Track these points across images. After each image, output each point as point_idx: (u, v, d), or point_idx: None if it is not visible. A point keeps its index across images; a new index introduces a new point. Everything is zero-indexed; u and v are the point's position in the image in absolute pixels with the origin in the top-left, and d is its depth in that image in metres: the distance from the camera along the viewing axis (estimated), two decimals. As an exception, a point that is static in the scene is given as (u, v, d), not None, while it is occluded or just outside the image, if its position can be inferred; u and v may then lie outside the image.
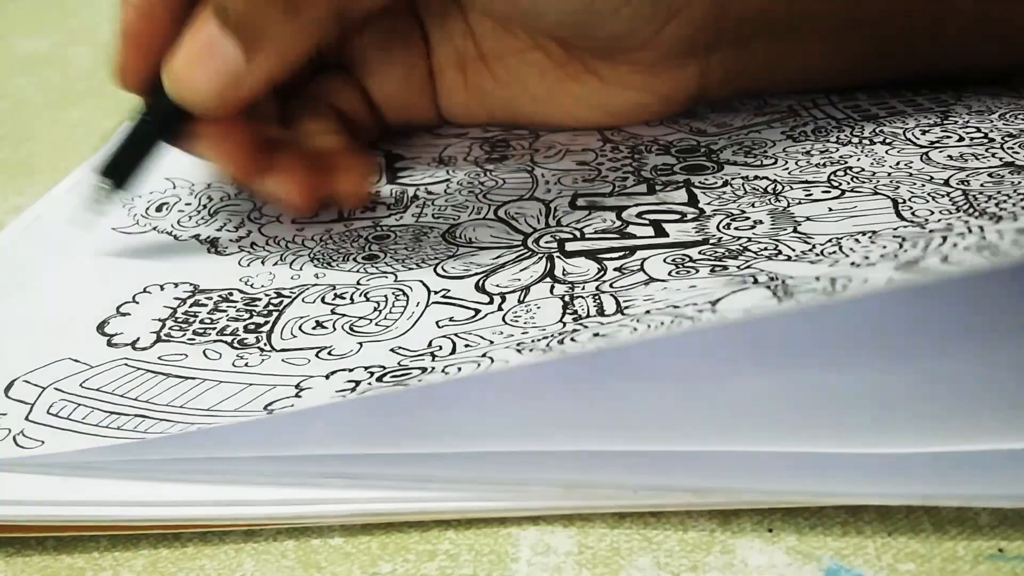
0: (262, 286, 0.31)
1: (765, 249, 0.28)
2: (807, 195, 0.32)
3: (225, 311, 0.30)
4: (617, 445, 0.23)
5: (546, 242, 0.32)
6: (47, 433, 0.25)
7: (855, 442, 0.21)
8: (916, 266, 0.23)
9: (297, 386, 0.26)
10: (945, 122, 0.36)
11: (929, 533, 0.21)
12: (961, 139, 0.34)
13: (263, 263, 0.33)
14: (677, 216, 0.32)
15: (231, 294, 0.31)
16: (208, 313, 0.30)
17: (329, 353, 0.27)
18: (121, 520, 0.23)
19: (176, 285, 0.32)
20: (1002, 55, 0.38)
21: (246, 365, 0.27)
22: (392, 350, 0.27)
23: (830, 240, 0.28)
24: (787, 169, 0.34)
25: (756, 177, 0.34)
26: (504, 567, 0.22)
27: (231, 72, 0.30)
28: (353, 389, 0.25)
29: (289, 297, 0.30)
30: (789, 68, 0.38)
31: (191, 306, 0.30)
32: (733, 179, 0.34)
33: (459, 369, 0.25)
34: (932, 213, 0.29)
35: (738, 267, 0.28)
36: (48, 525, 0.23)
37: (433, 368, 0.25)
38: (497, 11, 0.34)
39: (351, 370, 0.26)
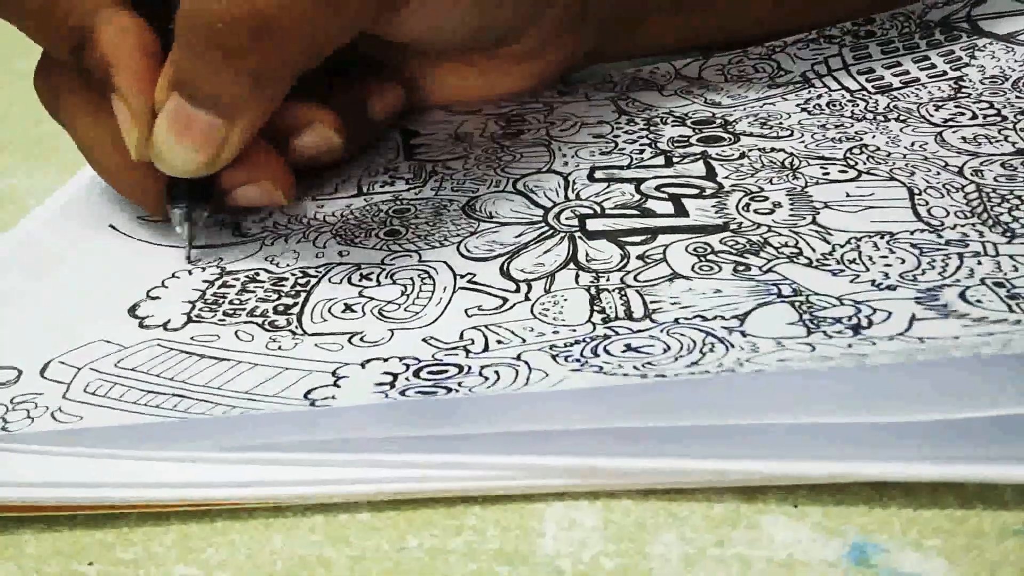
0: (287, 265, 0.31)
1: (786, 245, 0.29)
2: (824, 174, 0.32)
3: (253, 292, 0.30)
4: (640, 421, 0.23)
5: (567, 218, 0.32)
6: (85, 410, 0.25)
7: (879, 413, 0.22)
8: (936, 299, 0.25)
9: (334, 373, 0.26)
10: (958, 95, 0.36)
11: (954, 509, 0.21)
12: (975, 116, 0.34)
13: (286, 241, 0.33)
14: (696, 191, 0.32)
15: (257, 274, 0.31)
16: (236, 294, 0.30)
17: (362, 339, 0.27)
18: (150, 501, 0.23)
19: (203, 268, 0.32)
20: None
21: (279, 348, 0.27)
22: (424, 340, 0.27)
23: (849, 241, 0.29)
24: (803, 142, 0.34)
25: (773, 149, 0.34)
26: (530, 541, 0.22)
27: (216, 138, 0.30)
28: (392, 384, 0.25)
29: (315, 276, 0.31)
30: (647, 41, 0.42)
31: (219, 287, 0.31)
32: (750, 151, 0.34)
33: (497, 374, 0.25)
34: (948, 214, 0.29)
35: (760, 268, 0.28)
36: (78, 506, 0.24)
37: (469, 368, 0.25)
38: (397, 35, 0.34)
39: (386, 360, 0.26)
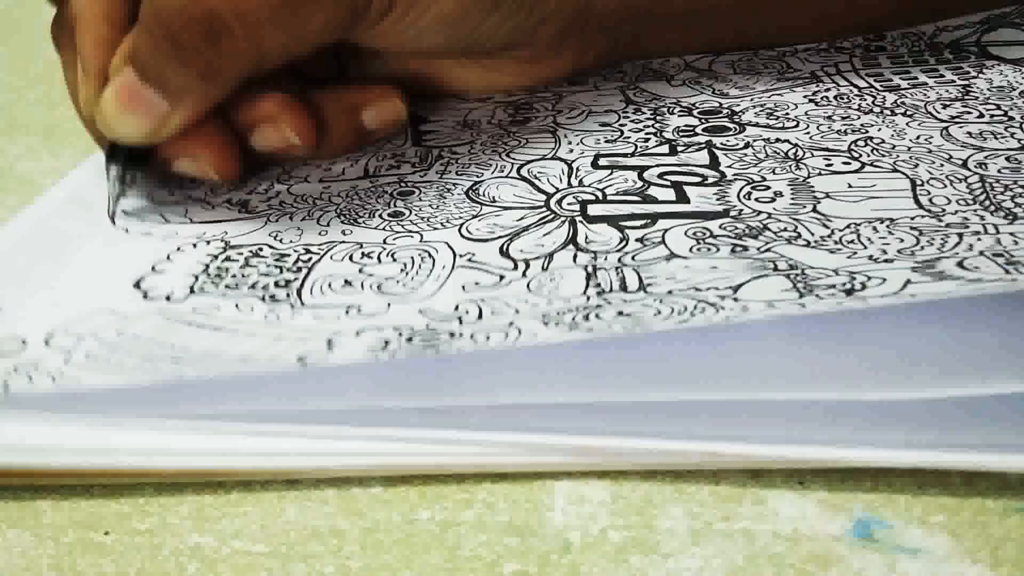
0: (291, 242, 0.32)
1: (785, 230, 0.29)
2: (827, 164, 0.32)
3: (255, 266, 0.31)
4: (645, 396, 0.23)
5: (568, 204, 0.32)
6: (84, 374, 0.26)
7: (880, 390, 0.22)
8: (933, 267, 0.25)
9: (328, 341, 0.26)
10: (966, 97, 0.36)
11: (958, 487, 0.22)
12: (981, 115, 0.35)
13: (291, 218, 0.33)
14: (698, 179, 0.33)
15: (261, 249, 0.31)
16: (240, 268, 0.30)
17: (358, 311, 0.28)
18: (164, 469, 0.24)
19: (208, 243, 0.32)
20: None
21: (277, 319, 0.28)
22: (420, 311, 0.27)
23: (848, 226, 0.29)
24: (808, 133, 0.35)
25: (777, 140, 0.34)
26: (540, 515, 0.23)
27: (158, 115, 0.32)
28: (384, 348, 0.26)
29: (318, 253, 0.31)
30: (654, 47, 0.42)
31: (223, 261, 0.31)
32: (755, 140, 0.34)
33: (487, 337, 0.25)
34: (949, 202, 0.29)
35: (758, 249, 0.28)
36: (91, 472, 0.24)
37: (461, 334, 0.26)
38: (378, 44, 0.35)
39: (380, 329, 0.27)
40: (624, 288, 0.27)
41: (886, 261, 0.26)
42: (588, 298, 0.27)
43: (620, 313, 0.26)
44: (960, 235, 0.27)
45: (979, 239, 0.27)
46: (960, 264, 0.26)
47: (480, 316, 0.27)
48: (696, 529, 0.22)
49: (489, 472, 0.24)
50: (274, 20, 0.31)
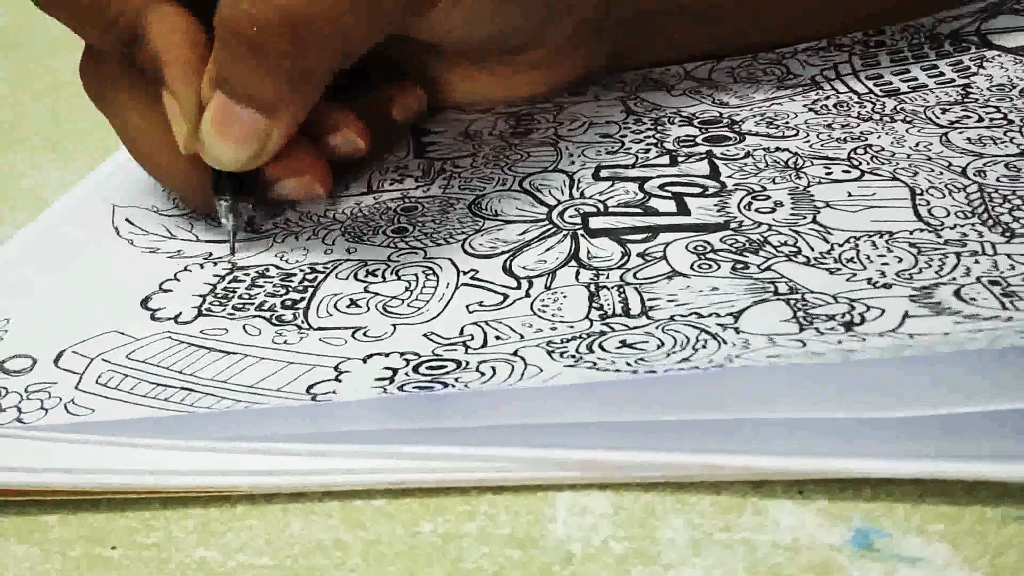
0: (296, 261, 0.32)
1: (785, 244, 0.29)
2: (827, 173, 0.33)
3: (262, 287, 0.31)
4: (643, 416, 0.24)
5: (570, 216, 0.32)
6: (96, 402, 0.26)
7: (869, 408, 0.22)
8: (931, 297, 0.26)
9: (336, 368, 0.27)
10: (966, 100, 0.36)
11: (958, 496, 0.22)
12: (980, 119, 0.35)
13: (297, 238, 0.33)
14: (699, 189, 0.33)
15: (267, 270, 0.32)
16: (246, 289, 0.31)
17: (364, 334, 0.28)
18: (168, 488, 0.24)
19: (215, 263, 0.32)
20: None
21: (285, 343, 0.28)
22: (425, 335, 0.28)
23: (848, 240, 0.29)
24: (808, 141, 0.35)
25: (778, 148, 0.34)
26: (542, 527, 0.23)
27: (258, 134, 0.31)
28: (391, 379, 0.26)
29: (323, 272, 0.31)
30: (666, 47, 0.42)
31: (230, 282, 0.31)
32: (755, 150, 0.35)
33: (493, 369, 0.26)
34: (948, 214, 0.29)
35: (759, 267, 0.28)
36: (99, 491, 0.24)
37: (467, 363, 0.26)
38: (424, 35, 0.35)
39: (387, 355, 0.27)
40: (627, 311, 0.27)
41: (884, 286, 0.27)
42: (591, 323, 0.27)
43: (623, 343, 0.26)
44: (958, 255, 0.27)
45: (976, 261, 0.27)
46: (957, 294, 0.26)
47: (485, 342, 0.27)
48: (697, 539, 0.22)
49: (491, 485, 0.24)
50: (353, 8, 0.29)
